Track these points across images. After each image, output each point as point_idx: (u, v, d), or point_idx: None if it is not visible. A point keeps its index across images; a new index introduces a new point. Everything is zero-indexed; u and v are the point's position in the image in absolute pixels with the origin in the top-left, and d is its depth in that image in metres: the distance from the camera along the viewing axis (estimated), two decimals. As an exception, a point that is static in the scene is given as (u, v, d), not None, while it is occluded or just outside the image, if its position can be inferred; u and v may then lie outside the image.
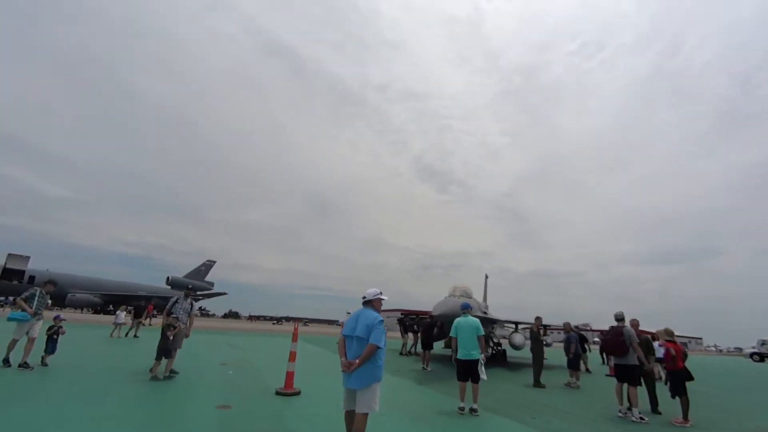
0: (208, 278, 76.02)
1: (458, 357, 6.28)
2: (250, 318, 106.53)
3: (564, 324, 10.54)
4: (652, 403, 7.37)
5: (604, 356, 14.96)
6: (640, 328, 7.81)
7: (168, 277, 64.26)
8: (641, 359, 6.82)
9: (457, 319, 6.51)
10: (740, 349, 45.18)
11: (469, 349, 6.20)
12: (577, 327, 10.51)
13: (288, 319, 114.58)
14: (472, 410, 5.96)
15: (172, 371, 7.09)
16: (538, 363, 9.57)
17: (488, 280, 25.29)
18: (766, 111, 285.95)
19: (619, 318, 7.23)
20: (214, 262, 77.61)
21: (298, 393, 6.35)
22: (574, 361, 9.97)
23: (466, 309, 6.69)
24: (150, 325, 26.74)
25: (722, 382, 15.05)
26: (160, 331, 7.22)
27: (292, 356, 6.64)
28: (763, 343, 40.22)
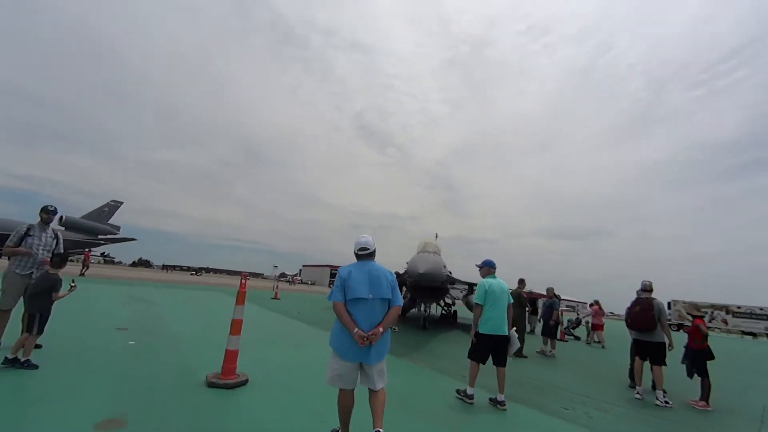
0: (113, 221, 66.00)
1: (483, 331, 4.55)
2: (165, 268, 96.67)
3: (547, 289, 9.59)
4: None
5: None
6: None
7: (62, 217, 53.62)
8: (669, 336, 5.86)
9: (488, 281, 4.73)
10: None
11: (501, 323, 4.52)
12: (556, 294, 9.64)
13: (208, 270, 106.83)
14: (499, 403, 4.35)
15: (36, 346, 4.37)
16: (521, 332, 8.48)
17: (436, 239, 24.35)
18: (670, 117, 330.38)
19: (648, 288, 6.12)
20: (121, 203, 66.87)
21: (245, 382, 4.14)
22: (554, 329, 9.13)
23: (492, 267, 4.90)
24: (83, 275, 22.45)
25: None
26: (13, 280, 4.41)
27: (236, 327, 4.28)
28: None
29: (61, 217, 54.01)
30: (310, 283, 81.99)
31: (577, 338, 15.30)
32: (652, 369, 5.74)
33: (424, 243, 10.75)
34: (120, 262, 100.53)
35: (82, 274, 22.85)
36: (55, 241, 4.89)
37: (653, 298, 5.96)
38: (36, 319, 4.04)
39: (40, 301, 4.13)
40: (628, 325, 6.05)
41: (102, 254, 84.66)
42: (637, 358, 6.05)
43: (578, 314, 21.15)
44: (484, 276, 4.93)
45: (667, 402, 5.49)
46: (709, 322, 41.42)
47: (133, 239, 66.87)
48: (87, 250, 27.11)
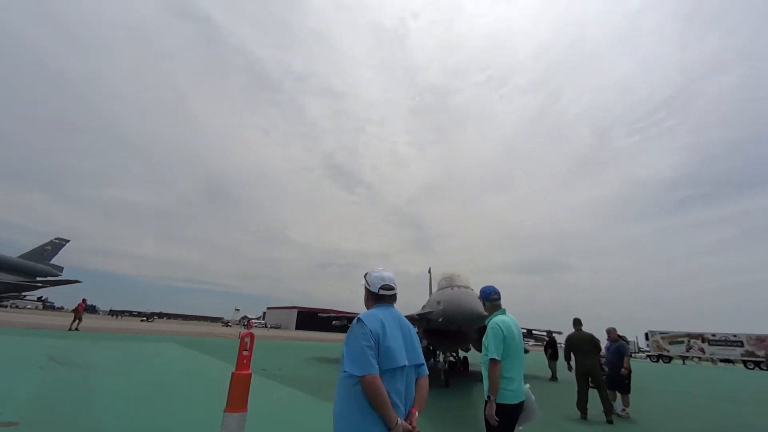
0: (56, 261, 58.77)
1: (506, 401, 2.66)
2: (112, 313, 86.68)
3: (609, 330, 7.58)
4: None
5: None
6: None
7: (-7, 256, 46.93)
8: None
9: (501, 319, 2.83)
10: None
11: (522, 383, 2.81)
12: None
13: (161, 315, 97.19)
14: None
15: None
16: (604, 389, 6.44)
17: (430, 274, 22.11)
18: (613, 159, 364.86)
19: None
20: (66, 241, 60.31)
21: None
22: (627, 381, 7.09)
23: (497, 298, 3.02)
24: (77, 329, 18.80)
25: (714, 389, 14.26)
26: None
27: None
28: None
29: (-8, 256, 47.20)
30: (268, 327, 74.66)
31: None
32: None
33: (450, 276, 8.69)
34: (62, 308, 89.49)
35: (76, 329, 18.60)
36: None
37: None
38: None
39: None
40: None
41: (39, 299, 74.92)
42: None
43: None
44: (489, 312, 3.03)
45: None
46: (687, 351, 41.03)
47: (76, 281, 59.83)
48: (83, 300, 20.44)
